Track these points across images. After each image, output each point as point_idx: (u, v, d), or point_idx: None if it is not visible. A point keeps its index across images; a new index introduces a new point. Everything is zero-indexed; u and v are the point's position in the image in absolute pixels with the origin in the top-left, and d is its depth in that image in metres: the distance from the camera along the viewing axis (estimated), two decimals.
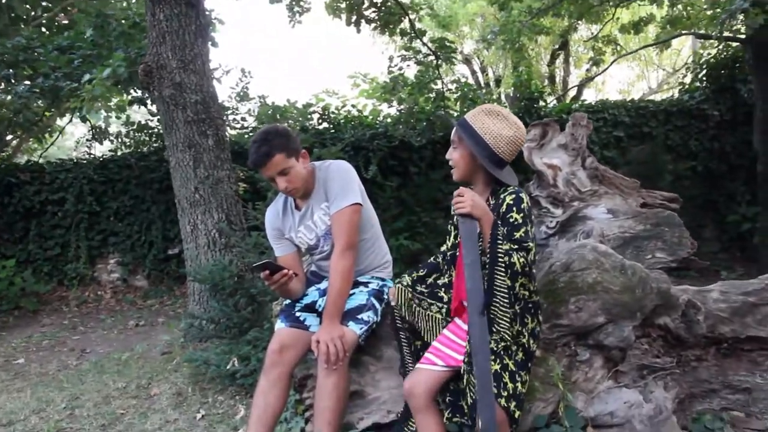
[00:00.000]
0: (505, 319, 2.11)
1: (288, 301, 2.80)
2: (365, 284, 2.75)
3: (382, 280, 2.83)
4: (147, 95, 6.80)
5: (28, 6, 8.77)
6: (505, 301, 2.10)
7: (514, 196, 2.17)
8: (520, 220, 2.12)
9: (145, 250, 8.20)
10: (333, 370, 2.39)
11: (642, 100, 8.88)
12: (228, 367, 3.73)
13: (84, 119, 5.98)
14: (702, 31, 8.53)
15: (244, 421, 3.36)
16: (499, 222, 2.12)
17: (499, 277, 2.08)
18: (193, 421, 3.53)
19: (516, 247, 2.06)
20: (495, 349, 2.12)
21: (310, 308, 2.75)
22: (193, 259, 5.28)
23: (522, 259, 2.05)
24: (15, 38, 7.05)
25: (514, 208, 2.14)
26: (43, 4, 8.92)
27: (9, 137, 9.50)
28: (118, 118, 8.97)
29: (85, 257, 8.26)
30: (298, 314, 2.72)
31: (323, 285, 2.80)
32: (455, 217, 2.25)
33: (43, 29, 8.89)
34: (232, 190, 5.41)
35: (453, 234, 2.43)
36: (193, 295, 5.43)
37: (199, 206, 5.25)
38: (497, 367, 2.11)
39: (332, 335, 2.39)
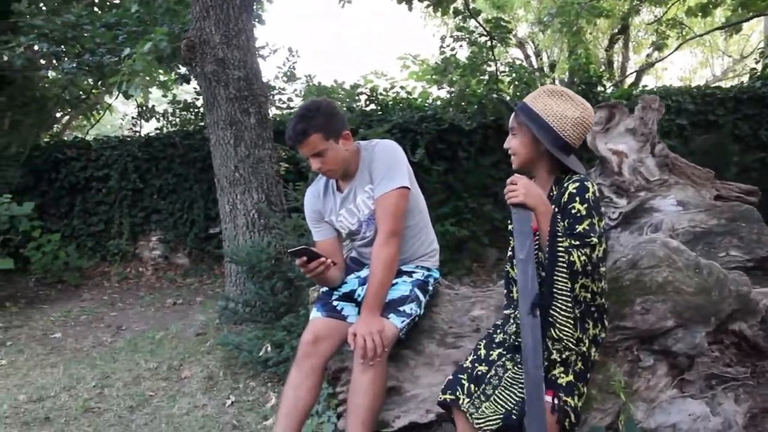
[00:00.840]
0: (568, 325, 1.87)
1: (325, 289, 2.61)
2: (409, 274, 2.55)
3: (428, 270, 2.61)
4: (190, 72, 6.68)
5: None
6: (568, 305, 1.86)
7: (578, 184, 1.91)
8: (584, 212, 1.86)
9: (186, 228, 8.17)
10: (369, 366, 2.21)
11: (708, 86, 8.37)
12: (260, 354, 3.57)
13: (127, 95, 5.91)
14: None
15: (274, 410, 3.22)
16: (560, 214, 1.87)
17: (560, 278, 1.84)
18: (222, 407, 3.40)
19: (577, 243, 1.81)
20: (560, 358, 1.90)
21: (349, 297, 2.57)
22: (231, 239, 5.14)
23: (583, 257, 1.80)
24: (65, 16, 7.02)
25: (578, 198, 1.88)
26: None
27: (58, 114, 9.59)
28: (164, 96, 8.95)
29: (127, 234, 8.28)
30: (335, 303, 2.54)
31: (363, 273, 2.61)
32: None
33: (95, 8, 8.89)
34: (273, 170, 5.24)
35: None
36: (230, 276, 5.30)
37: (238, 185, 5.09)
38: (570, 378, 1.89)
39: (371, 329, 2.21)
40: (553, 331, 1.89)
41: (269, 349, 3.55)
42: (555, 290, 1.85)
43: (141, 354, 4.48)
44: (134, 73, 4.94)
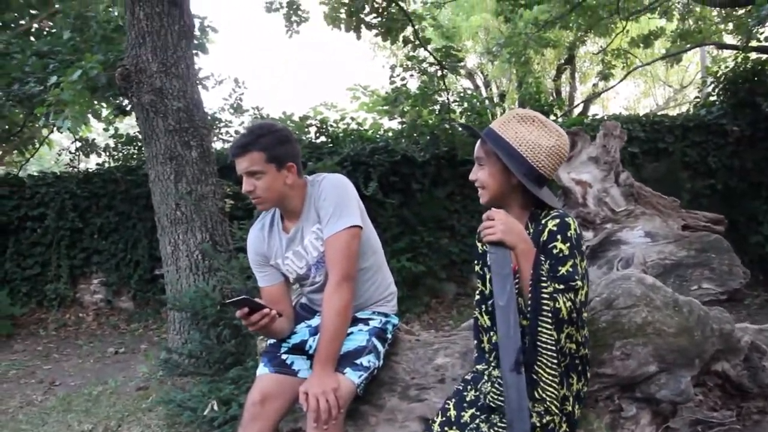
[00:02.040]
0: (554, 385, 1.65)
1: (272, 341, 2.34)
2: (365, 321, 2.31)
3: (386, 316, 2.38)
4: (129, 103, 6.36)
5: (15, 14, 8.38)
6: (554, 360, 1.63)
7: (558, 220, 1.71)
8: (567, 251, 1.67)
9: (130, 269, 7.74)
10: (324, 429, 1.95)
11: (655, 114, 8.49)
12: (206, 413, 3.24)
13: (58, 128, 5.52)
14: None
15: None
16: (542, 255, 1.66)
17: (545, 329, 1.61)
18: None
19: (561, 287, 1.61)
20: (540, 423, 1.66)
21: (299, 349, 2.32)
22: (174, 283, 4.80)
23: (569, 303, 1.60)
24: None
25: (559, 236, 1.69)
26: (32, 12, 8.52)
27: None
28: (105, 130, 8.55)
29: (66, 277, 7.77)
30: (284, 357, 2.29)
31: (315, 322, 2.36)
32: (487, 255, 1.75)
33: (32, 38, 8.48)
34: (217, 207, 4.95)
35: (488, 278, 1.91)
36: (173, 324, 4.93)
37: (180, 224, 4.77)
38: None
39: (324, 387, 1.96)
40: (535, 392, 1.66)
41: (215, 406, 3.22)
42: (539, 342, 1.63)
43: (74, 414, 4.07)
44: (61, 104, 4.57)
